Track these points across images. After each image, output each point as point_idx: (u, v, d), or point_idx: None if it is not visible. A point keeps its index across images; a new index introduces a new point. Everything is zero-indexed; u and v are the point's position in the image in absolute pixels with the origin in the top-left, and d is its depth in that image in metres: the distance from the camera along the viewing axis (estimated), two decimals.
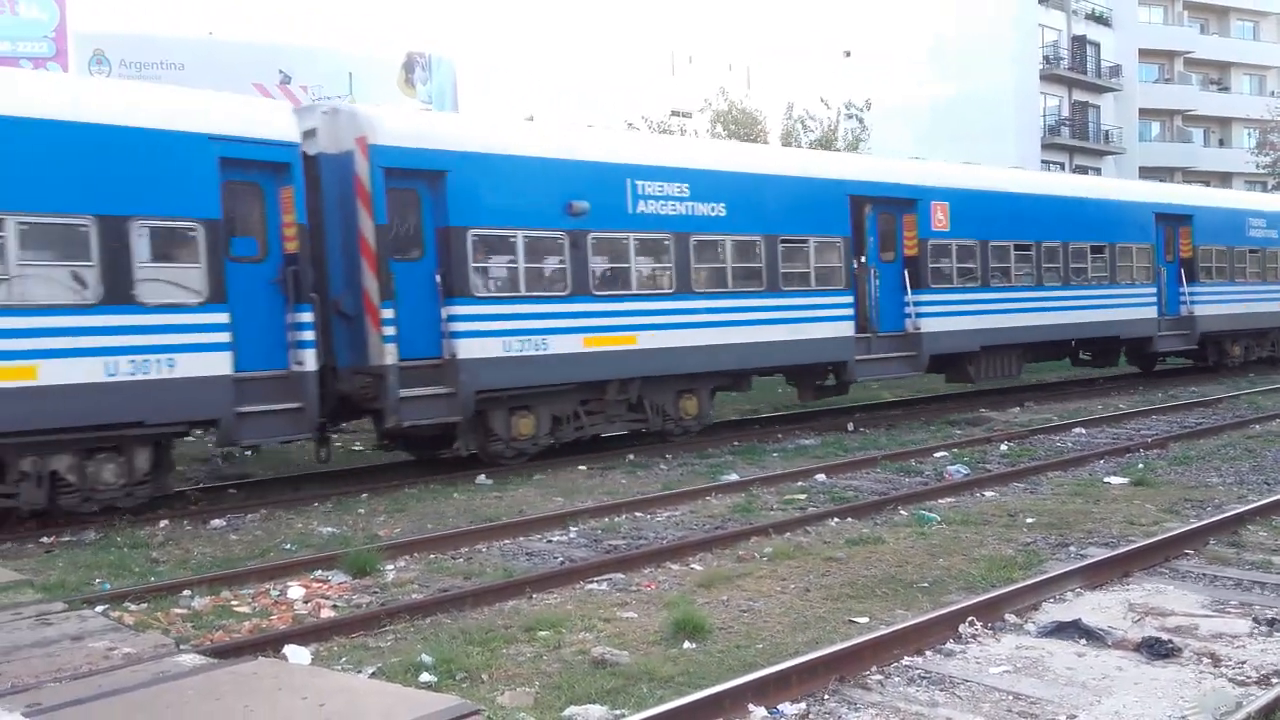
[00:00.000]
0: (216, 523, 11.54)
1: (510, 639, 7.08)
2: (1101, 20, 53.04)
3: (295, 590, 8.56)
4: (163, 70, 22.19)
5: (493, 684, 6.25)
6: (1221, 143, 61.45)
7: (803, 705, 5.74)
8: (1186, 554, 8.86)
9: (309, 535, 10.82)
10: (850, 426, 18.26)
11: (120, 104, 11.45)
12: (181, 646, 6.45)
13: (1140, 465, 13.52)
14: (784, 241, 16.95)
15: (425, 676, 6.36)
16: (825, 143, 33.62)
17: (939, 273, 19.39)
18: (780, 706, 5.68)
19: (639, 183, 15.21)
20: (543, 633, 7.18)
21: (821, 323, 17.46)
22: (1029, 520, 10.47)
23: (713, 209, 15.98)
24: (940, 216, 19.30)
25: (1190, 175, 55.55)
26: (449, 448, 14.68)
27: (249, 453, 15.71)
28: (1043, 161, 46.75)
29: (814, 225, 17.35)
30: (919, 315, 18.90)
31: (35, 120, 10.64)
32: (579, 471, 14.38)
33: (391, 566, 9.29)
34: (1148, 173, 51.41)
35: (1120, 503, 11.26)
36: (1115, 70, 53.51)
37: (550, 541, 10.28)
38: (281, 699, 5.19)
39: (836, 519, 10.67)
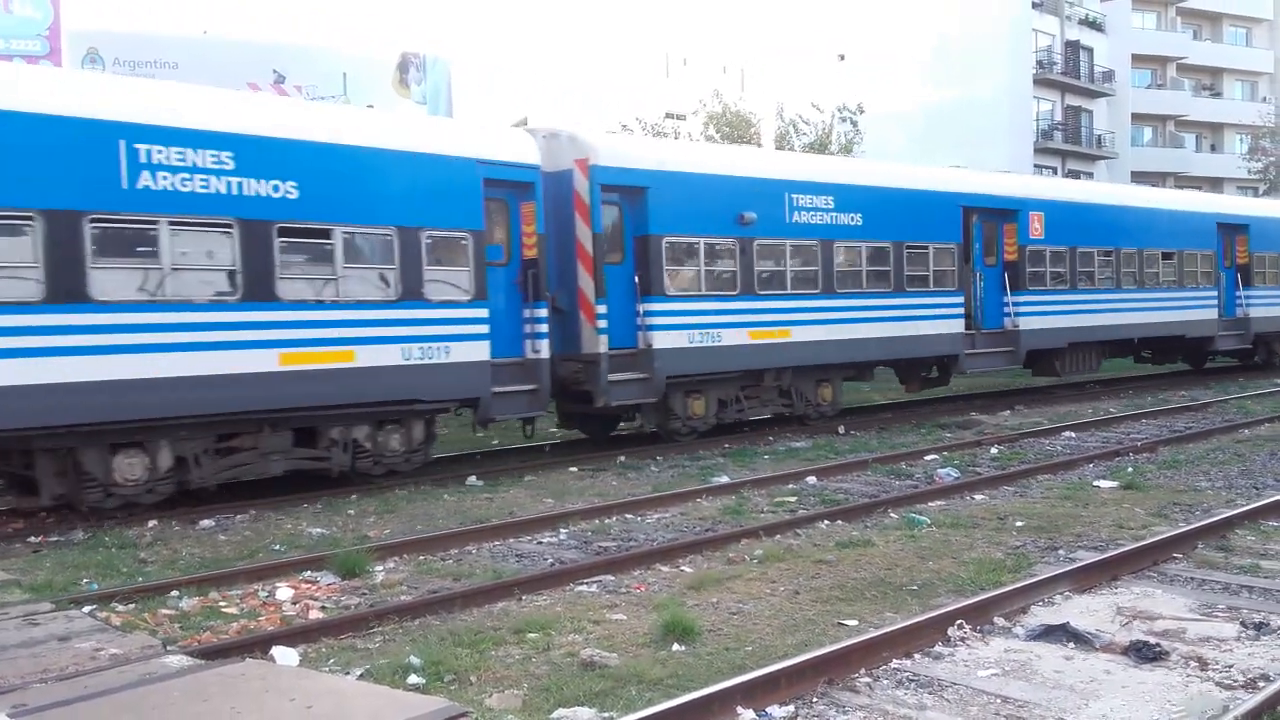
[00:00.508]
0: (205, 523, 11.51)
1: (499, 641, 7.08)
2: (1095, 26, 53.20)
3: (284, 591, 8.54)
4: (157, 69, 22.14)
5: (481, 686, 6.24)
6: (1213, 148, 61.67)
7: (791, 708, 5.74)
8: (1175, 558, 8.88)
9: (298, 536, 10.80)
10: (841, 429, 18.28)
11: (415, 135, 13.98)
12: (168, 647, 6.43)
13: (1129, 469, 13.56)
14: (909, 247, 19.12)
15: (413, 678, 6.35)
16: (819, 146, 33.67)
17: (1035, 276, 21.52)
18: (769, 709, 5.69)
19: (794, 196, 17.40)
20: (532, 635, 7.17)
21: (938, 320, 19.68)
22: (1018, 523, 10.49)
23: (852, 219, 18.20)
24: (1036, 226, 21.50)
25: (1182, 180, 55.74)
26: (615, 427, 17.55)
27: None
28: (1035, 166, 46.88)
29: (933, 233, 19.59)
30: (1017, 314, 21.06)
31: (358, 149, 12.87)
32: (570, 473, 14.38)
33: (380, 568, 9.28)
34: (1139, 177, 51.54)
35: (1109, 506, 11.28)
36: (1108, 75, 53.68)
37: (540, 543, 10.28)
38: (268, 700, 5.18)
39: (827, 521, 10.68)
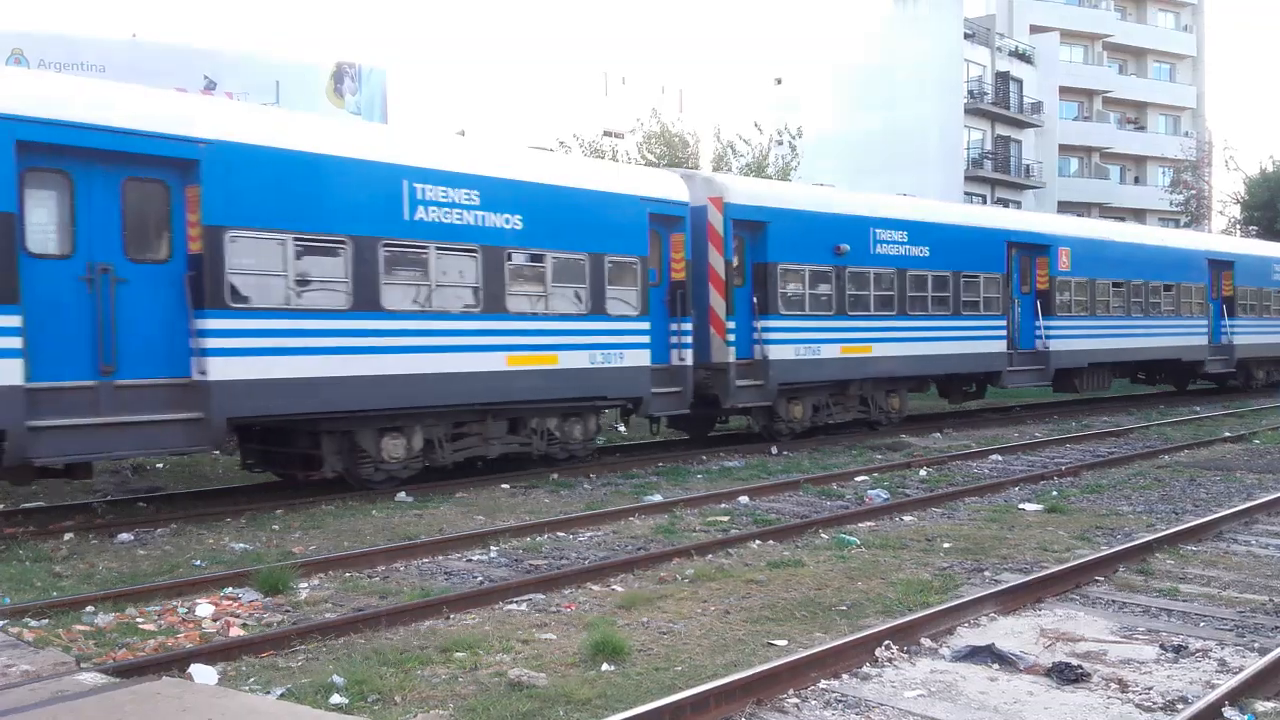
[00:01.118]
0: (124, 537, 11.21)
1: (425, 660, 6.96)
2: (1024, 58, 54.49)
3: (204, 608, 8.33)
4: (83, 71, 21.64)
5: (406, 706, 6.13)
6: (1137, 180, 63.44)
7: None
8: (1097, 580, 9.04)
9: (220, 551, 10.55)
10: (774, 450, 18.39)
11: (600, 176, 16.69)
12: (82, 665, 6.25)
13: (1054, 493, 13.81)
14: (964, 276, 22.08)
15: (336, 698, 6.22)
16: (757, 168, 33.96)
17: (1062, 303, 24.56)
18: None
19: (877, 230, 20.32)
20: (459, 654, 7.07)
21: (986, 340, 22.68)
22: (946, 545, 10.61)
23: (921, 251, 21.09)
24: (1064, 259, 24.58)
25: (1106, 211, 57.24)
26: (711, 429, 20.52)
27: (159, 465, 15.34)
28: (965, 193, 47.79)
29: (984, 264, 22.64)
30: (1048, 337, 23.97)
31: (562, 188, 15.56)
32: (502, 490, 14.26)
33: (305, 585, 9.10)
34: (1066, 207, 52.81)
35: (1034, 529, 11.46)
36: (1037, 106, 54.97)
37: (470, 561, 10.16)
38: None
39: (758, 541, 10.71)
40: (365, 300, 13.13)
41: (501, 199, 14.57)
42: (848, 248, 19.59)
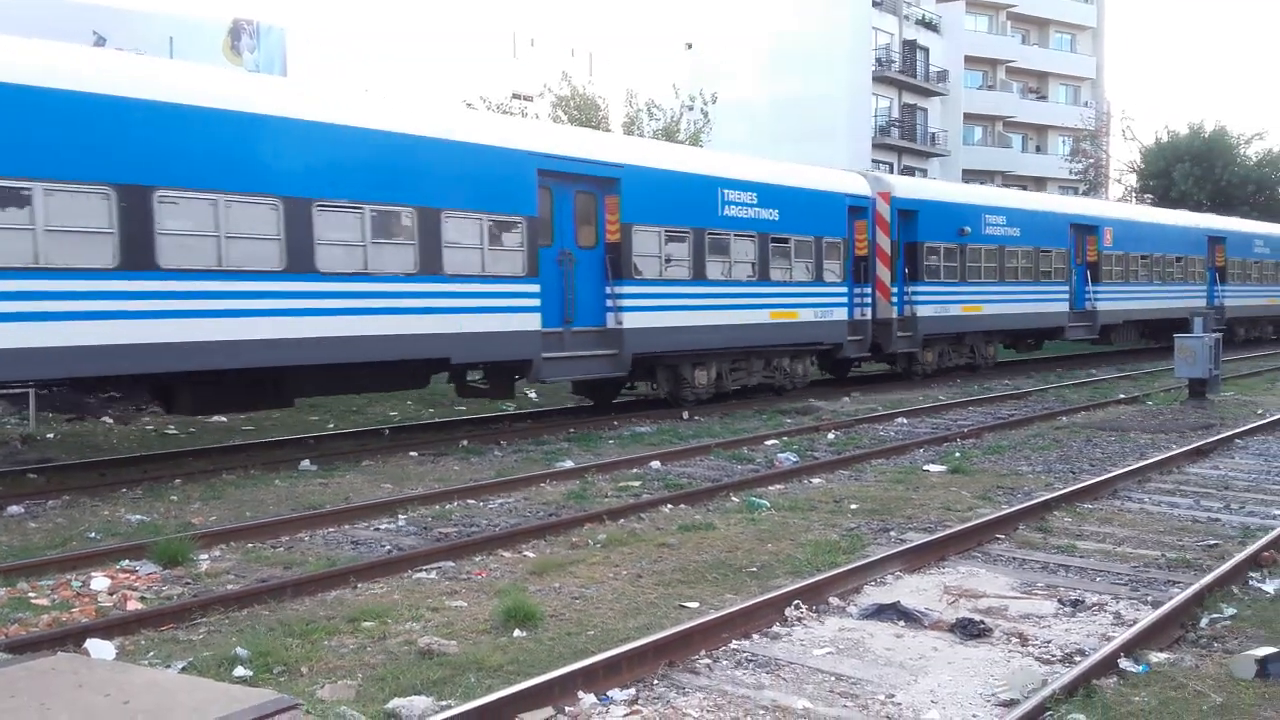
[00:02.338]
0: (14, 509, 10.79)
1: (333, 630, 6.84)
2: (931, 26, 55.21)
3: (99, 581, 8.06)
4: None
5: (313, 677, 6.02)
6: (1039, 149, 64.92)
7: (632, 690, 5.73)
8: (998, 538, 9.27)
9: (116, 523, 10.23)
10: (685, 415, 18.47)
11: (816, 178, 21.79)
12: None
13: (957, 454, 14.11)
14: (1042, 251, 27.80)
15: (240, 670, 6.08)
16: (668, 134, 33.87)
17: (1106, 272, 30.41)
18: (610, 693, 5.66)
19: (988, 216, 26.03)
20: (367, 623, 6.96)
21: (1055, 301, 28.30)
22: (853, 506, 10.77)
23: (1014, 231, 26.72)
24: (1108, 237, 30.51)
25: (1009, 179, 58.53)
26: (854, 366, 24.89)
27: (50, 435, 14.81)
28: (873, 160, 48.38)
29: (1056, 241, 28.33)
30: (1096, 300, 29.80)
31: (799, 188, 20.91)
32: (410, 458, 14.08)
33: (205, 556, 8.87)
34: (970, 175, 53.85)
35: (938, 489, 11.71)
36: (943, 75, 55.82)
37: (378, 530, 10.02)
38: (82, 696, 4.87)
39: (670, 505, 10.75)
40: (698, 272, 18.49)
41: (767, 199, 19.84)
42: (969, 230, 25.15)
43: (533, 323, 15.42)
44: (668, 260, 17.85)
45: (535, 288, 15.42)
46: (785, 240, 20.18)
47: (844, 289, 21.70)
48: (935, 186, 28.13)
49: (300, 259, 12.81)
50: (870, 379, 25.34)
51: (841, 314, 21.67)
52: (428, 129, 14.45)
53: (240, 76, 17.21)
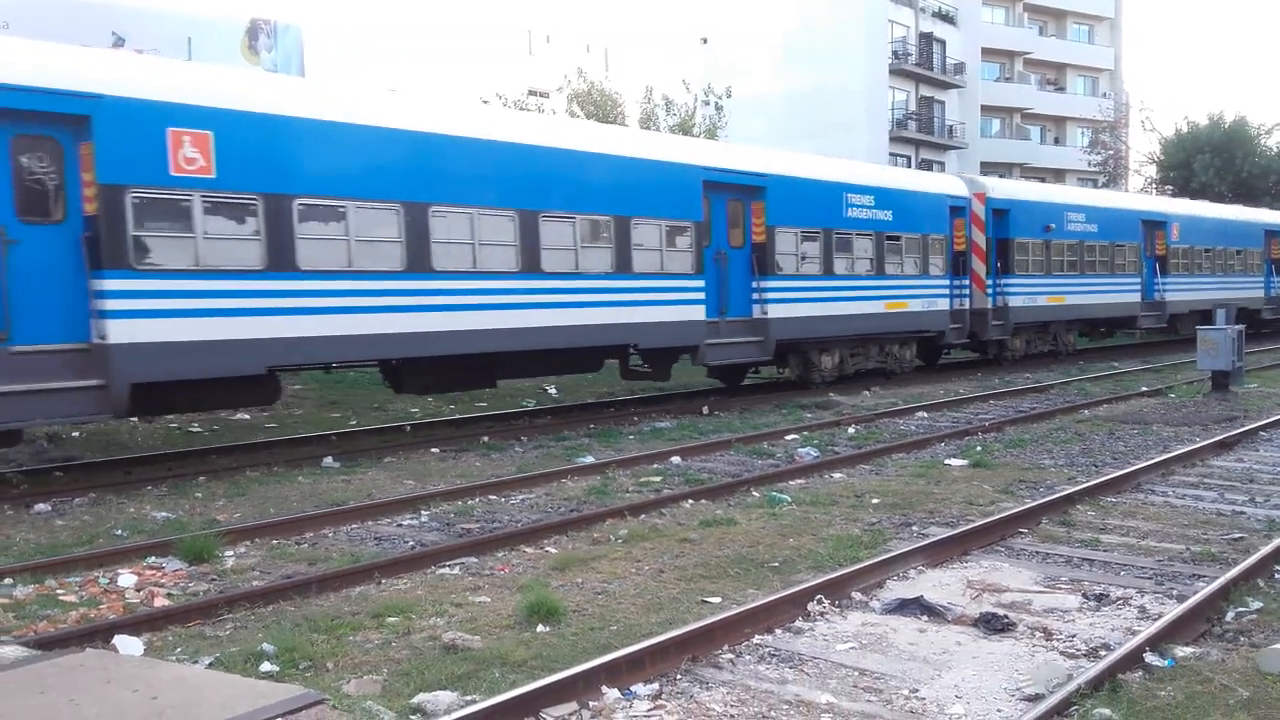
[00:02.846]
0: (41, 507, 10.90)
1: (357, 626, 6.88)
2: (947, 19, 54.91)
3: (126, 578, 8.13)
4: None
5: (338, 672, 6.06)
6: (1057, 140, 64.48)
7: (655, 685, 5.75)
8: (1021, 533, 9.24)
9: (141, 520, 10.31)
10: (705, 410, 18.47)
11: (923, 182, 24.84)
12: (2, 638, 6.08)
13: (978, 448, 14.06)
14: (1117, 246, 29.92)
15: (266, 666, 6.13)
16: (683, 128, 33.84)
17: (1174, 265, 32.69)
18: (633, 687, 5.68)
19: (1069, 214, 28.16)
20: (391, 619, 7.00)
21: (1128, 292, 30.66)
22: (874, 501, 10.76)
23: (1094, 227, 28.99)
24: (1175, 232, 32.79)
25: (1028, 171, 58.16)
26: (945, 353, 27.32)
27: (75, 434, 14.94)
28: (890, 155, 48.19)
29: (1129, 236, 30.64)
30: (1164, 291, 31.99)
31: (908, 190, 23.37)
32: (431, 454, 14.14)
33: (231, 552, 8.94)
34: (988, 168, 53.55)
35: (960, 484, 11.67)
36: (959, 67, 55.52)
37: (400, 526, 10.06)
38: (110, 692, 4.92)
39: (691, 501, 10.76)
40: (827, 268, 20.67)
41: (882, 201, 22.01)
42: (1053, 226, 27.33)
43: (699, 314, 18.07)
44: (803, 257, 20.25)
45: (700, 283, 18.08)
46: (897, 238, 22.49)
47: (946, 281, 24.07)
48: (1024, 187, 30.35)
49: (530, 261, 15.30)
50: (959, 366, 27.68)
51: (944, 304, 24.05)
52: (624, 150, 17.14)
53: (492, 113, 20.93)
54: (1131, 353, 31.99)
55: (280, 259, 12.59)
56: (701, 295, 18.07)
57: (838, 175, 21.70)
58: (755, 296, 19.21)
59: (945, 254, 23.94)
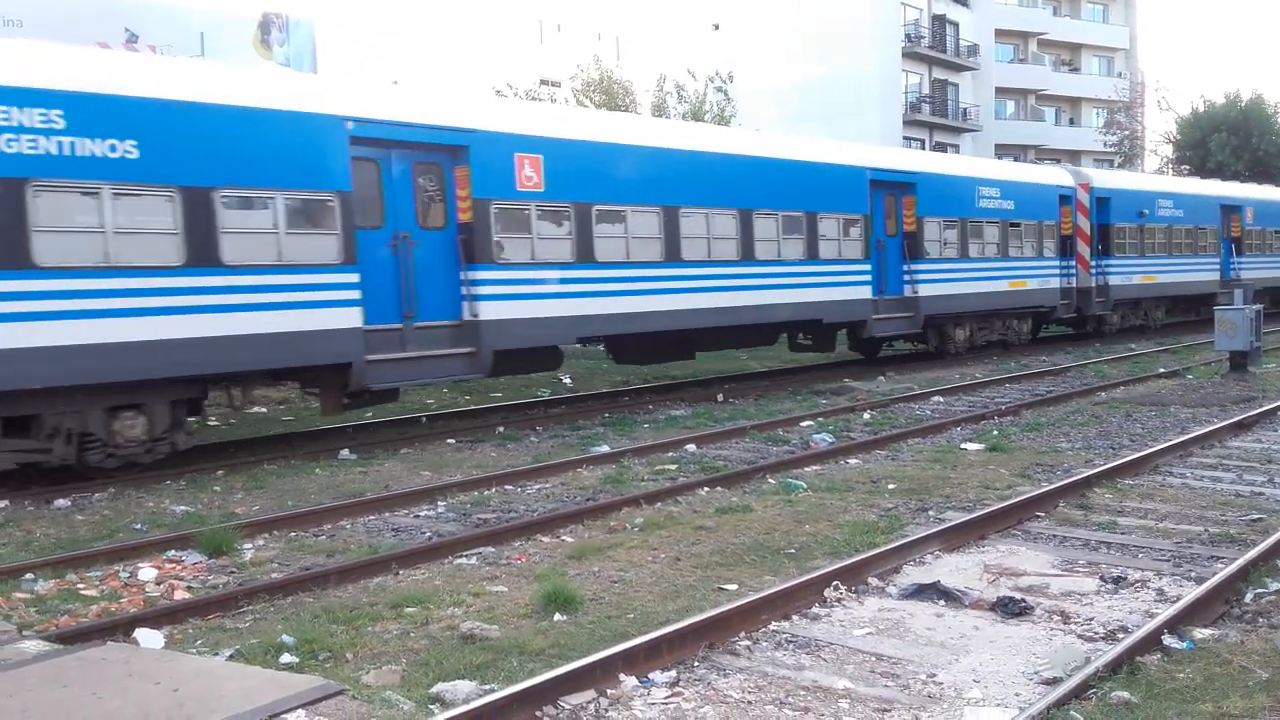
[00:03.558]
0: (61, 503, 10.99)
1: (376, 617, 6.92)
2: (960, 0, 54.54)
3: (146, 572, 8.20)
4: (2, 27, 20.81)
5: (358, 663, 6.10)
6: (1072, 121, 64.04)
7: (673, 673, 5.76)
8: (1038, 516, 9.22)
9: (161, 514, 10.39)
10: (720, 397, 18.47)
11: (1037, 174, 28.17)
12: (24, 632, 6.14)
13: (994, 432, 14.02)
14: (1199, 229, 32.70)
15: (286, 657, 6.17)
16: (695, 115, 33.75)
17: (1248, 245, 35.46)
18: (651, 675, 5.69)
19: (1159, 201, 30.89)
20: (410, 609, 7.03)
21: (1209, 271, 33.20)
22: (890, 486, 10.74)
23: (1180, 212, 31.63)
24: (1249, 215, 35.49)
25: (1042, 153, 57.77)
26: (1084, 328, 29.60)
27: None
28: (904, 138, 47.95)
29: (1209, 220, 33.29)
30: (1240, 269, 34.32)
31: (1024, 182, 26.52)
32: (447, 445, 14.18)
33: (250, 545, 8.99)
34: (1003, 150, 53.28)
35: (976, 468, 11.64)
36: (973, 50, 55.16)
37: (417, 516, 10.10)
38: (132, 685, 4.97)
39: (706, 488, 10.76)
40: (964, 251, 23.79)
41: (1006, 193, 25.05)
42: (1146, 212, 29.96)
43: (867, 293, 21.22)
44: (944, 243, 23.28)
45: (868, 266, 21.19)
46: (1018, 225, 25.48)
47: (1057, 262, 26.93)
48: (1121, 177, 33.07)
49: (747, 251, 18.53)
50: (1054, 339, 30.06)
51: (1056, 282, 26.93)
52: (812, 157, 20.54)
53: (718, 131, 24.99)
54: (1149, 334, 31.97)
55: (585, 254, 15.92)
56: (869, 277, 21.31)
57: (972, 171, 25.77)
58: (906, 277, 22.46)
59: (1056, 238, 26.89)
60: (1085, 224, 27.88)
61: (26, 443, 11.38)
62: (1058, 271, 26.99)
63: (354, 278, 13.17)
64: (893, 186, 22.13)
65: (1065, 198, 27.46)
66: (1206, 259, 33.14)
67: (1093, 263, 28.15)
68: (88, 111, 11.14)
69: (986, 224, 24.56)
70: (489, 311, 14.59)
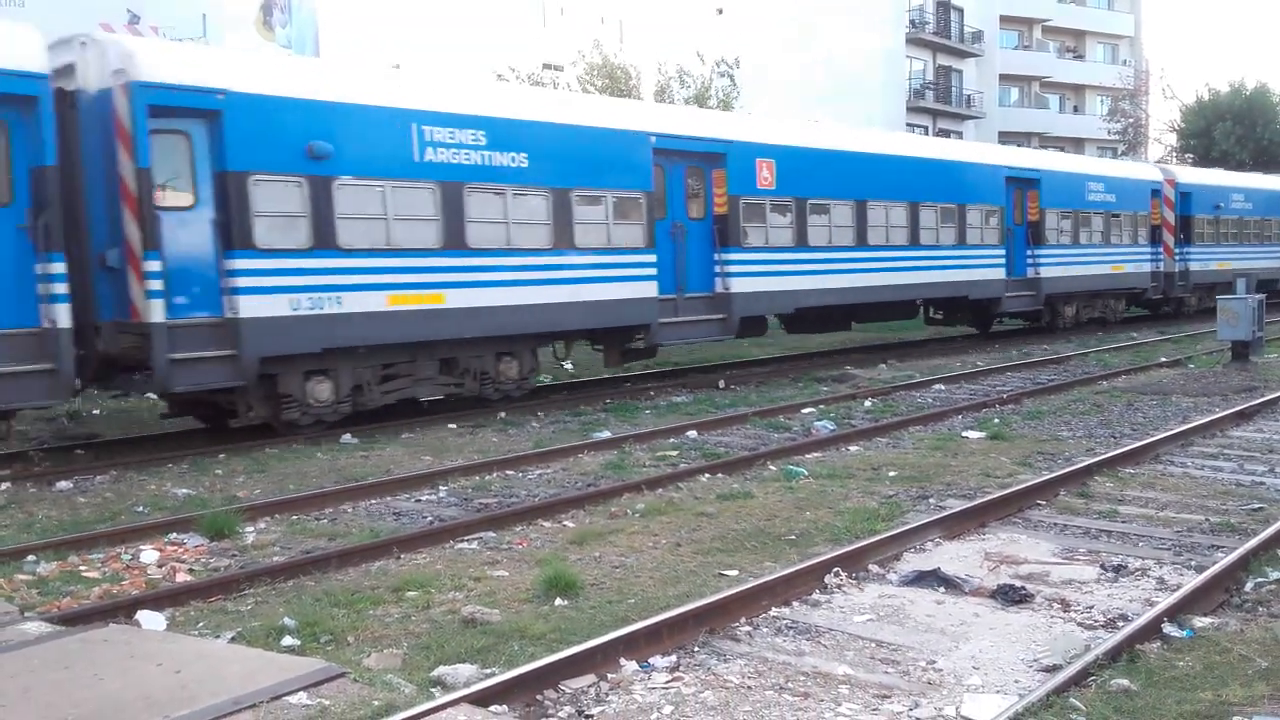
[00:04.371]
0: (63, 485, 11.01)
1: (377, 600, 6.94)
2: None
3: (149, 554, 8.21)
4: (3, 7, 20.75)
5: (359, 646, 6.11)
6: (1076, 109, 63.84)
7: (673, 658, 5.78)
8: (1038, 504, 9.22)
9: (163, 497, 10.40)
10: (721, 384, 18.47)
11: (1132, 170, 31.54)
12: (26, 614, 6.16)
13: (996, 420, 14.02)
14: (1265, 219, 35.62)
15: (288, 640, 6.18)
16: (699, 100, 33.65)
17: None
18: (651, 660, 5.71)
19: (1233, 195, 34.16)
20: (411, 593, 7.05)
21: (1275, 259, 36.00)
22: (891, 473, 10.75)
23: (1250, 205, 34.77)
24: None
25: (1046, 140, 57.62)
26: (1162, 309, 33.05)
27: (96, 411, 15.05)
28: (907, 125, 47.80)
29: (1276, 211, 36.23)
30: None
31: (1122, 178, 29.92)
32: (449, 430, 14.19)
33: (251, 528, 9.01)
34: (1007, 137, 53.10)
35: (977, 456, 11.65)
36: (977, 36, 54.96)
37: (419, 501, 10.12)
38: (134, 666, 4.99)
39: (707, 475, 10.77)
40: (1075, 237, 27.27)
41: (1108, 187, 28.60)
42: (1221, 205, 33.13)
43: (1001, 274, 24.99)
44: (1061, 231, 26.83)
45: (1002, 251, 25.10)
46: (1118, 215, 28.95)
47: (1148, 249, 30.32)
48: (1202, 174, 35.81)
49: (914, 237, 22.40)
50: (1136, 319, 32.27)
51: (1147, 267, 30.41)
52: (963, 157, 25.01)
53: (892, 136, 27.07)
54: (1151, 323, 31.96)
55: (801, 240, 19.77)
56: (1003, 260, 24.98)
57: (1083, 168, 29.20)
58: (1030, 261, 25.95)
59: (1147, 228, 30.41)
60: (1170, 215, 31.37)
61: (450, 378, 15.20)
62: (1149, 257, 30.74)
63: (653, 258, 17.16)
64: (1021, 182, 25.62)
65: (1155, 191, 31.00)
66: (1274, 247, 36.60)
67: (1176, 250, 31.67)
68: (499, 132, 14.85)
69: (1094, 215, 28.17)
70: (737, 285, 18.52)
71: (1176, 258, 31.46)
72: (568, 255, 15.81)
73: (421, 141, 14.10)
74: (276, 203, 12.71)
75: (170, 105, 11.96)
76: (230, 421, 14.23)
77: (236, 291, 12.41)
